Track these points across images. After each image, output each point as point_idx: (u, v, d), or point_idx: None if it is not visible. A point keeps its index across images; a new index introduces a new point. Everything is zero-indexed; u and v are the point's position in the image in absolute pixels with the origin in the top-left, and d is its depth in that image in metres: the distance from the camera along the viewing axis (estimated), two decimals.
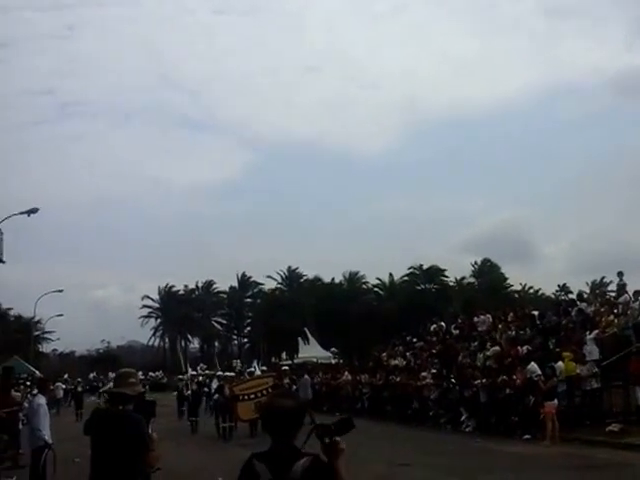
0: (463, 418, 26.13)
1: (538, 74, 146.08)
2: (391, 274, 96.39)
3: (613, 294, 29.01)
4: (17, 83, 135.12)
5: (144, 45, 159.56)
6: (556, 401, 21.08)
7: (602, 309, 25.98)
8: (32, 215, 32.59)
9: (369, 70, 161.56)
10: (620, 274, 26.74)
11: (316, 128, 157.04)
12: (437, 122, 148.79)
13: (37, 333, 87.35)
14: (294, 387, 31.06)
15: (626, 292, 25.57)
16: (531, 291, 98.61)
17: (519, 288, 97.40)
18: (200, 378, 40.52)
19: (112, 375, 67.13)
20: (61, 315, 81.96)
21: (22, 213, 31.77)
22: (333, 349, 58.46)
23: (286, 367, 35.26)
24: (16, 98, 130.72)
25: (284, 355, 73.11)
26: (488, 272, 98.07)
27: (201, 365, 63.22)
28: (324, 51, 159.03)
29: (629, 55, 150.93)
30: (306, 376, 30.97)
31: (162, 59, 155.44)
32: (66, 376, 64.89)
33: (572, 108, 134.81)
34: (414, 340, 38.49)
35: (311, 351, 60.58)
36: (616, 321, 24.32)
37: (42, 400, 16.40)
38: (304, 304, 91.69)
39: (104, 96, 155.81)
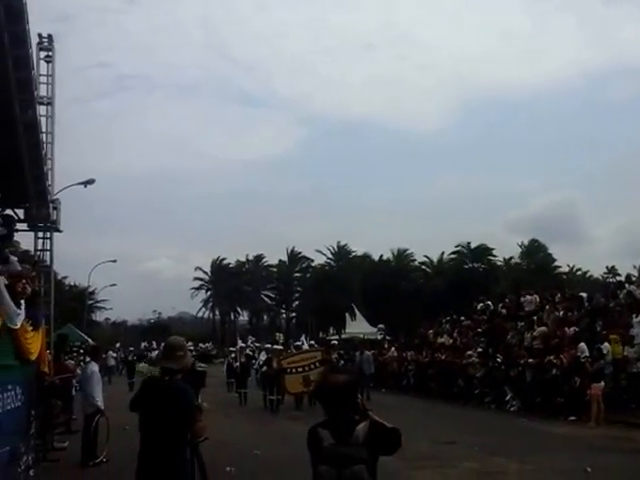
0: (508, 397, 25.92)
1: (590, 54, 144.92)
2: (442, 253, 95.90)
3: None
4: (76, 56, 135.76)
5: (202, 20, 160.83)
6: (602, 383, 20.79)
7: None
8: (89, 186, 32.85)
9: (423, 48, 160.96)
10: None
11: (370, 106, 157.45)
12: (489, 101, 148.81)
13: (91, 302, 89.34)
14: (341, 362, 30.90)
15: None
16: (579, 273, 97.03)
17: (567, 269, 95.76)
18: (249, 350, 40.42)
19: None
20: (114, 285, 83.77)
21: (79, 184, 32.04)
22: (380, 325, 58.12)
23: (335, 342, 34.79)
24: (75, 71, 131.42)
25: (331, 330, 73.23)
26: (536, 252, 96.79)
27: (250, 337, 63.50)
28: (380, 29, 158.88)
29: None
30: (367, 352, 30.36)
31: (219, 35, 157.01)
32: (118, 345, 65.76)
33: (624, 89, 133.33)
34: (461, 318, 38.23)
35: (358, 327, 60.40)
36: None
37: (95, 367, 16.96)
38: (352, 280, 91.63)
39: (160, 70, 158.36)
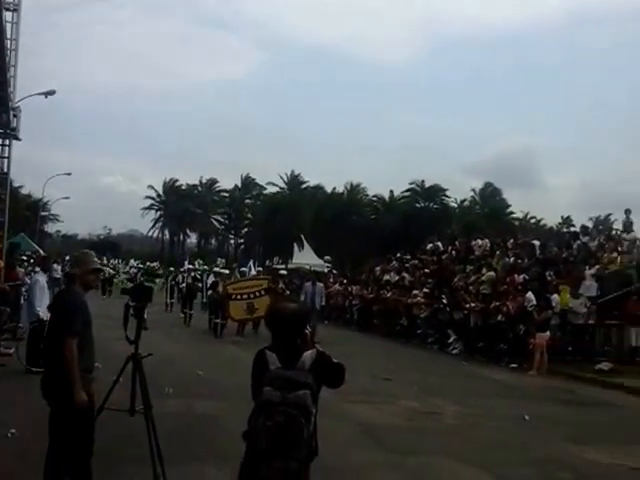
0: (451, 340, 25.62)
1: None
2: (391, 190, 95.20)
3: (618, 231, 28.18)
4: None
5: None
6: (548, 333, 20.49)
7: (606, 245, 25.28)
8: (50, 97, 32.50)
9: None
10: (628, 212, 26.09)
11: (337, 35, 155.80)
12: (457, 40, 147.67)
13: (44, 214, 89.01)
14: (287, 292, 30.52)
15: (633, 230, 24.88)
16: (533, 220, 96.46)
17: (521, 216, 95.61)
18: (196, 273, 40.04)
19: (112, 262, 67.92)
20: (68, 198, 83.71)
21: (40, 94, 31.66)
22: (327, 257, 57.71)
23: (284, 271, 34.35)
24: None
25: (278, 259, 72.91)
26: (490, 197, 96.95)
27: (198, 260, 63.29)
28: None
29: None
30: (319, 283, 29.22)
31: None
32: (68, 257, 65.31)
33: (596, 38, 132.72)
34: (409, 257, 37.90)
35: (305, 258, 60.03)
36: (619, 259, 23.68)
37: (41, 277, 17.02)
38: (303, 211, 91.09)
39: None
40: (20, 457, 8.43)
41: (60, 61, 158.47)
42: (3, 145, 23.31)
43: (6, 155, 23.42)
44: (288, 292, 29.93)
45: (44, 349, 6.65)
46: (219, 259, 66.89)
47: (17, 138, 23.19)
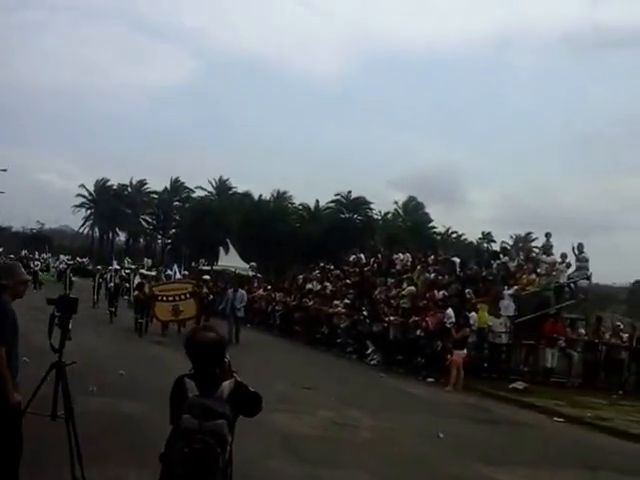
0: (369, 351, 25.73)
1: (494, 21, 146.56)
2: (317, 200, 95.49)
3: (537, 252, 28.60)
4: None
5: None
6: (465, 350, 20.70)
7: (525, 266, 25.66)
8: None
9: None
10: (548, 235, 26.42)
11: (267, 47, 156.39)
12: (388, 55, 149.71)
13: None
14: (211, 297, 30.51)
15: (552, 254, 25.28)
16: (454, 235, 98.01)
17: (442, 230, 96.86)
18: (124, 272, 40.04)
19: (43, 256, 67.57)
20: (2, 192, 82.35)
21: None
22: (252, 263, 57.85)
23: (207, 277, 34.42)
24: None
25: (204, 261, 72.59)
26: (412, 210, 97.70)
27: (127, 259, 63.08)
28: None
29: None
30: (241, 290, 29.59)
31: None
32: (1, 249, 64.99)
33: (525, 59, 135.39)
34: (332, 267, 38.05)
35: (231, 261, 60.24)
36: (537, 280, 24.05)
37: None
38: (230, 216, 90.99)
39: None
40: None
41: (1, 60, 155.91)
42: None
43: None
44: (212, 296, 30.71)
45: None
46: (146, 259, 66.79)
47: None
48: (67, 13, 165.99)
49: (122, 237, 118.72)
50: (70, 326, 7.55)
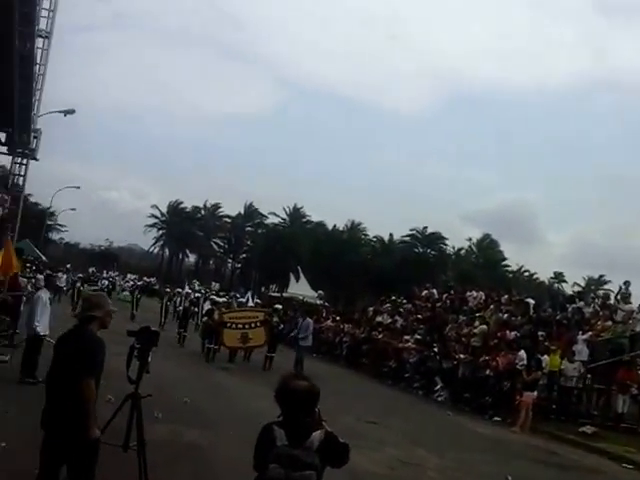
0: (437, 387, 25.48)
1: (579, 64, 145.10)
2: (391, 234, 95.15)
3: (613, 298, 28.05)
4: None
5: None
6: (535, 393, 20.45)
7: (600, 313, 25.19)
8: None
9: (413, 31, 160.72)
10: (627, 283, 25.79)
11: (352, 79, 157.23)
12: (472, 96, 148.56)
13: (50, 223, 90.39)
14: (282, 326, 30.51)
15: (631, 302, 24.77)
16: (526, 274, 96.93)
17: (514, 268, 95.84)
18: (193, 296, 40.44)
19: (111, 274, 67.94)
20: (74, 209, 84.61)
21: (60, 112, 31.48)
22: (320, 292, 57.83)
23: (279, 306, 33.98)
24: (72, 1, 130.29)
25: (274, 287, 72.96)
26: (487, 248, 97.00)
27: (195, 281, 63.51)
28: (371, 5, 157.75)
29: None
30: (308, 319, 29.00)
31: None
32: (69, 266, 66.20)
33: (609, 102, 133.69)
34: (403, 301, 37.86)
35: (300, 289, 60.47)
36: (613, 327, 23.60)
37: (44, 294, 17.17)
38: (302, 244, 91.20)
39: (155, 14, 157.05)
40: (10, 475, 8.32)
41: (77, 79, 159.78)
42: (21, 164, 23.49)
43: (22, 174, 23.55)
44: (282, 326, 30.10)
45: (51, 382, 6.55)
46: (214, 283, 67.11)
47: (35, 159, 23.35)
48: (151, 37, 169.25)
49: (192, 259, 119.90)
50: (150, 359, 7.77)
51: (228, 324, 26.49)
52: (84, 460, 6.42)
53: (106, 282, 62.81)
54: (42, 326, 16.06)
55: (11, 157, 22.55)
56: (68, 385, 6.32)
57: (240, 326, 26.39)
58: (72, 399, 6.29)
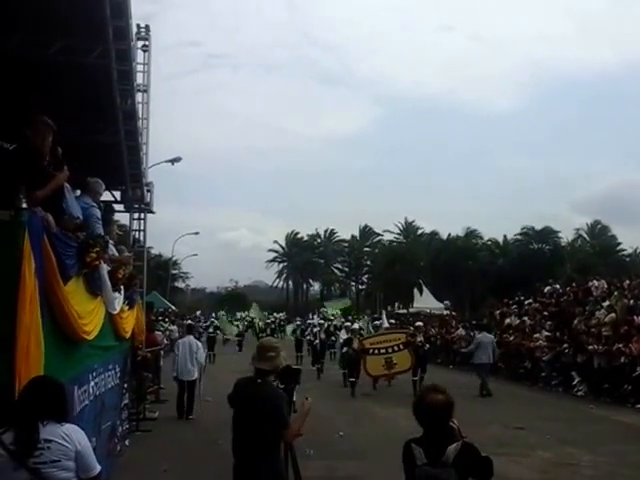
0: (575, 382, 25.15)
1: None
2: (505, 235, 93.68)
3: None
4: (167, 36, 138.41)
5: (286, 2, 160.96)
6: None
7: None
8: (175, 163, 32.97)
9: (498, 29, 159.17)
10: None
11: (445, 85, 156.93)
12: (563, 82, 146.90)
13: (174, 272, 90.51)
14: (427, 346, 27.22)
15: None
16: None
17: (630, 251, 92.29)
18: (327, 325, 39.46)
19: (240, 314, 67.26)
20: (195, 255, 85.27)
21: (167, 161, 32.23)
22: (446, 302, 57.62)
23: (420, 323, 31.35)
24: (166, 50, 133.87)
25: (399, 304, 72.88)
26: (599, 234, 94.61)
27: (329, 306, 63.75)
28: (456, 10, 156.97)
29: None
30: (487, 333, 27.29)
31: (303, 17, 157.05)
32: (199, 312, 65.91)
33: None
34: (528, 300, 37.50)
35: (425, 302, 60.20)
36: None
37: (191, 340, 19.41)
38: (420, 256, 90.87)
39: (245, 50, 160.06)
40: None
41: (182, 125, 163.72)
42: (139, 219, 24.24)
43: (142, 228, 24.30)
44: (428, 346, 27.71)
45: (238, 438, 6.65)
46: (343, 300, 66.06)
47: (151, 211, 24.06)
48: (245, 70, 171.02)
49: (316, 287, 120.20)
50: (294, 398, 7.67)
51: (370, 350, 24.92)
52: None
53: (238, 324, 61.49)
54: (193, 371, 18.53)
55: (128, 214, 23.31)
56: (256, 439, 6.49)
57: (383, 351, 24.67)
58: (262, 454, 6.49)
